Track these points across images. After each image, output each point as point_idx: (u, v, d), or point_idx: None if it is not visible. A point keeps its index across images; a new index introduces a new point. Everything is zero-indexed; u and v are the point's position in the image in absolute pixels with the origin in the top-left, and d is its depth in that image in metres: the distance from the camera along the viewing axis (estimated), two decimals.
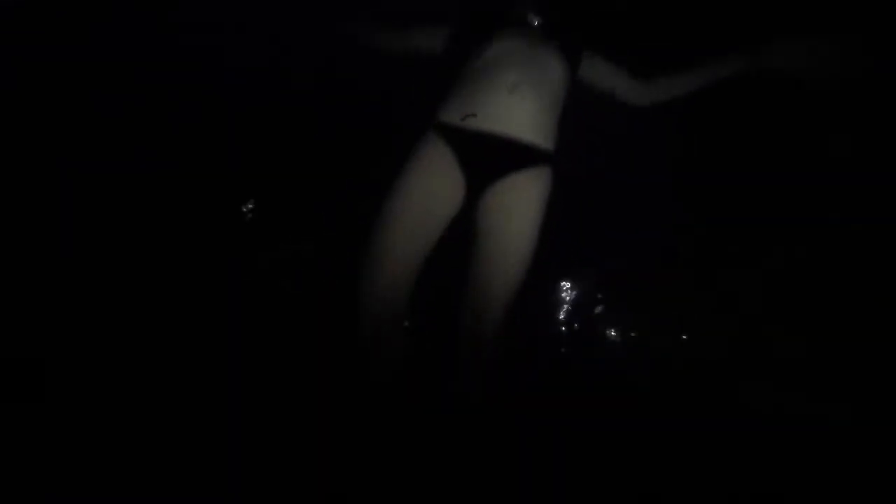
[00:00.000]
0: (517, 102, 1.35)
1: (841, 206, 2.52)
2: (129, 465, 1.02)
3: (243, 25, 2.33)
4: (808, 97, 2.53)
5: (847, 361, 2.48)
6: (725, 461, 1.87)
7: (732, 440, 2.13)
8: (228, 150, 2.34)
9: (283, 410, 1.36)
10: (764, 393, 2.64)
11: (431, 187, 1.31)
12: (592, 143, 2.31)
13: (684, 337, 3.48)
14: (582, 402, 2.32)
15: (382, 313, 1.25)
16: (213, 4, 2.31)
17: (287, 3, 2.24)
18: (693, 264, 2.99)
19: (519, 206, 1.34)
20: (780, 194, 2.65)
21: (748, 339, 2.84)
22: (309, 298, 2.18)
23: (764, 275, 2.78)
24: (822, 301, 2.61)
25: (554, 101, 1.43)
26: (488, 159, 1.34)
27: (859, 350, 2.46)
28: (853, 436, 2.11)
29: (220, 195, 2.30)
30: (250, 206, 2.46)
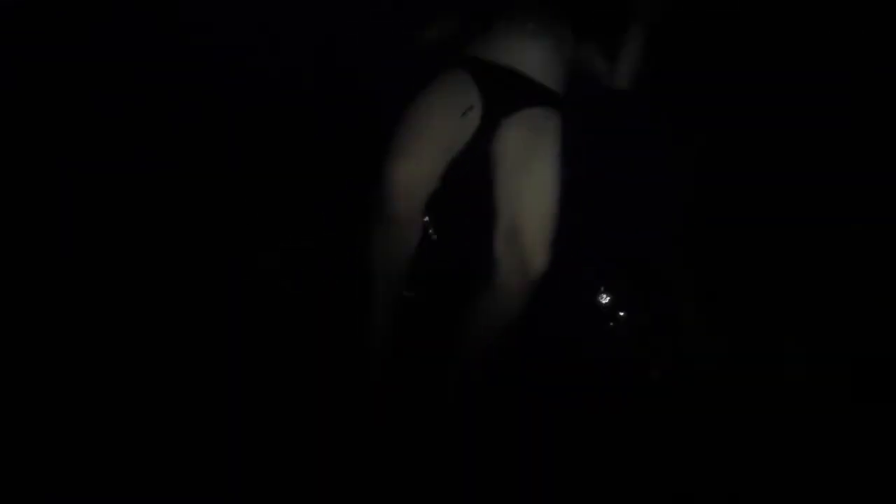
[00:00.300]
0: (532, 47, 1.46)
1: (841, 205, 2.53)
2: (129, 465, 1.02)
3: (243, 25, 2.33)
4: (809, 96, 2.54)
5: (849, 362, 2.48)
6: (725, 462, 1.87)
7: (732, 441, 2.13)
8: (228, 150, 2.34)
9: (284, 410, 1.36)
10: (764, 393, 2.64)
11: (452, 102, 1.40)
12: (592, 143, 2.31)
13: (684, 337, 3.49)
14: (580, 401, 2.33)
15: (400, 212, 1.31)
16: (213, 4, 2.31)
17: (288, 3, 2.24)
18: (693, 264, 2.99)
19: (537, 142, 1.41)
20: (780, 194, 2.65)
21: (748, 339, 2.84)
22: (309, 298, 2.18)
23: (764, 275, 2.78)
24: (823, 301, 2.61)
25: (563, 58, 1.54)
26: (504, 91, 1.43)
27: (862, 351, 2.46)
28: (854, 437, 2.12)
29: (220, 195, 2.30)
30: (250, 206, 2.46)
